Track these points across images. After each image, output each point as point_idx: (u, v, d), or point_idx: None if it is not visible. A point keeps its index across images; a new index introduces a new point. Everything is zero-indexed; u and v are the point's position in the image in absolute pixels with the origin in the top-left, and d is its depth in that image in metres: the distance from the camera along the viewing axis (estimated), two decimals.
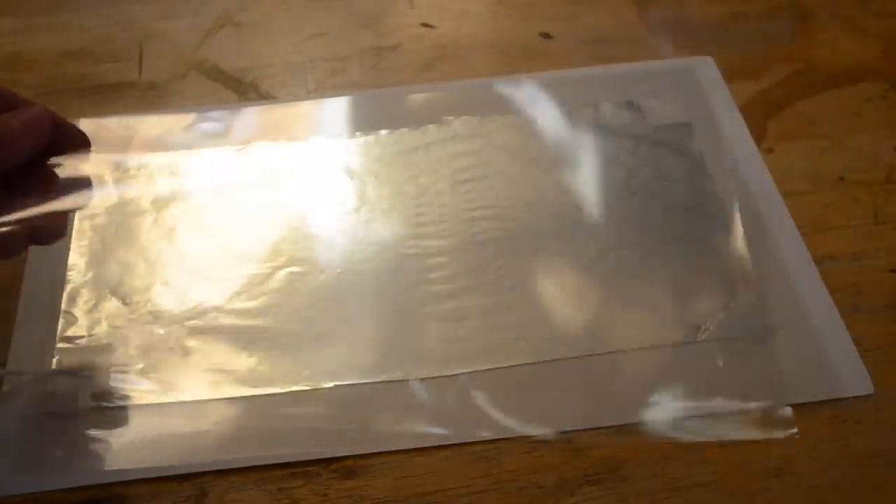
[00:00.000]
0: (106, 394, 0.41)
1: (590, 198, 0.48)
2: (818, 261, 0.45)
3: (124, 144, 0.51)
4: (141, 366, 0.42)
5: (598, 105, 0.53)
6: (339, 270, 0.45)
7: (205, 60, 0.56)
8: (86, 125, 0.52)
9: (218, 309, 0.44)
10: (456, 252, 0.46)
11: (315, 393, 0.41)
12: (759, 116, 0.52)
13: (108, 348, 0.42)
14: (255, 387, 0.41)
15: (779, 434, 0.39)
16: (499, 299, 0.44)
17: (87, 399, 0.41)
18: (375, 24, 0.59)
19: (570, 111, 0.52)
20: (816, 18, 0.58)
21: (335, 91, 0.54)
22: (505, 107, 0.53)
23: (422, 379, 0.41)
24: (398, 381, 0.41)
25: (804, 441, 0.39)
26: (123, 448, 0.39)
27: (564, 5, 0.60)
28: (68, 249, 0.46)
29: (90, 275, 0.45)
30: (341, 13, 0.60)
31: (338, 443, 0.39)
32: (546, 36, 0.58)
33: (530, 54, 0.56)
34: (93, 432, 0.40)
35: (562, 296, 0.44)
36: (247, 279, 0.45)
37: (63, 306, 0.44)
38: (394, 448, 0.39)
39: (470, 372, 0.42)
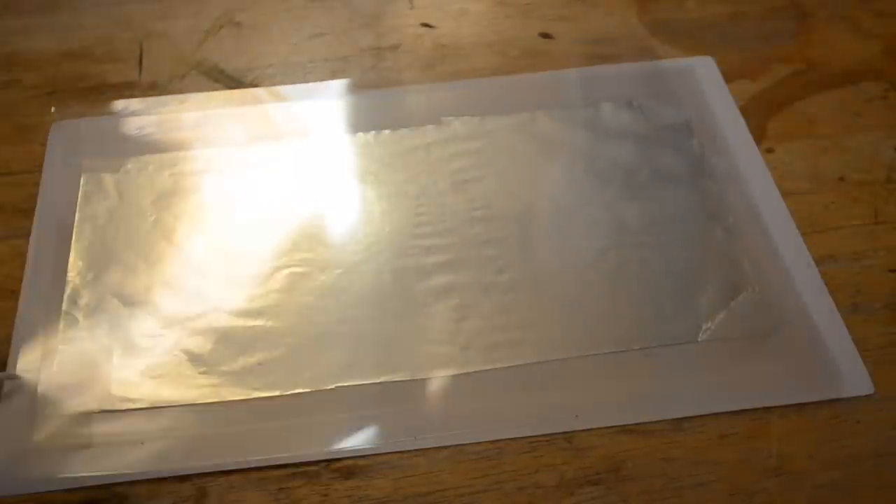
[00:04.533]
0: (106, 395, 0.41)
1: (589, 198, 0.48)
2: (818, 261, 0.45)
3: (124, 145, 0.51)
4: (142, 367, 0.42)
5: (598, 105, 0.53)
6: (339, 271, 0.45)
7: (205, 60, 0.56)
8: (85, 125, 0.52)
9: (218, 310, 0.44)
10: (456, 252, 0.46)
11: (316, 394, 0.41)
12: (759, 116, 0.52)
13: (108, 350, 0.42)
14: (256, 388, 0.41)
15: None
16: (499, 299, 0.44)
17: (88, 400, 0.41)
18: (375, 24, 0.59)
19: (570, 111, 0.52)
20: (816, 18, 0.58)
21: (335, 91, 0.54)
22: (505, 107, 0.53)
23: (422, 379, 0.41)
24: (399, 381, 0.41)
25: (804, 441, 0.39)
26: (124, 449, 0.39)
27: (564, 5, 0.60)
28: (69, 250, 0.46)
29: (91, 276, 0.45)
30: (341, 13, 0.60)
31: (338, 443, 0.39)
32: (546, 36, 0.58)
33: (530, 54, 0.56)
34: (93, 433, 0.40)
35: (562, 296, 0.44)
36: (247, 280, 0.45)
37: (63, 307, 0.44)
38: (394, 448, 0.39)
39: (470, 372, 0.42)
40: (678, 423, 0.40)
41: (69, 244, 0.46)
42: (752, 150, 0.50)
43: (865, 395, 0.40)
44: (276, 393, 0.41)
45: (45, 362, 0.42)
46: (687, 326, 0.43)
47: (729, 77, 0.54)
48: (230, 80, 0.55)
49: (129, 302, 0.44)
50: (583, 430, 0.40)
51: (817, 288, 0.44)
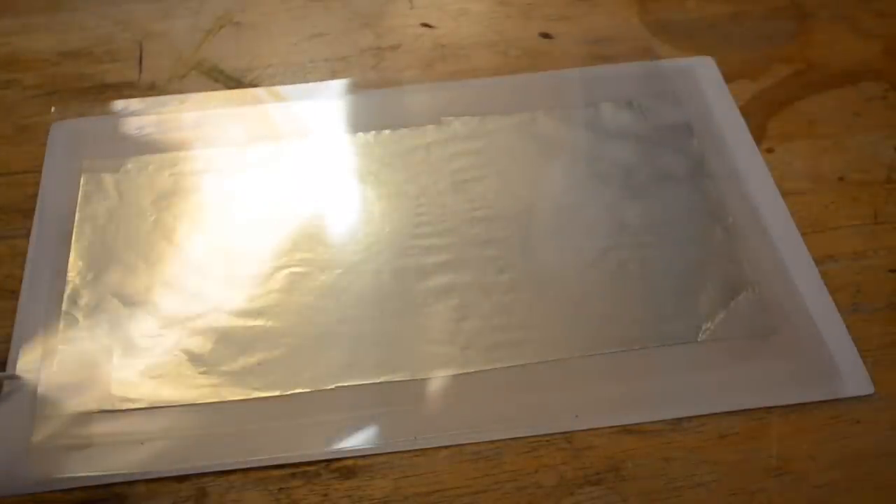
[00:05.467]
0: (106, 395, 0.41)
1: (590, 198, 0.48)
2: (818, 261, 0.45)
3: (124, 145, 0.51)
4: (142, 367, 0.42)
5: (598, 105, 0.53)
6: (339, 271, 0.45)
7: (205, 60, 0.56)
8: (85, 125, 0.52)
9: (218, 310, 0.44)
10: (456, 252, 0.46)
11: (316, 394, 0.41)
12: (759, 116, 0.52)
13: (108, 350, 0.42)
14: (256, 388, 0.41)
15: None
16: (499, 299, 0.44)
17: (88, 400, 0.41)
18: (375, 24, 0.59)
19: (570, 111, 0.52)
20: (816, 18, 0.58)
21: (335, 91, 0.54)
22: (505, 107, 0.53)
23: (422, 379, 0.41)
24: (399, 381, 0.41)
25: (804, 441, 0.39)
26: (123, 449, 0.39)
27: (564, 5, 0.60)
28: (69, 250, 0.46)
29: (90, 276, 0.45)
30: (341, 13, 0.60)
31: (338, 443, 0.39)
32: (546, 36, 0.58)
33: (530, 54, 0.56)
34: (93, 433, 0.40)
35: (562, 296, 0.44)
36: (247, 280, 0.45)
37: (63, 307, 0.44)
38: (394, 448, 0.39)
39: (470, 372, 0.42)
40: (678, 423, 0.40)
41: (69, 244, 0.46)
42: (752, 150, 0.50)
43: (865, 395, 0.40)
44: (276, 393, 0.41)
45: (45, 362, 0.42)
46: (687, 326, 0.43)
47: (729, 77, 0.54)
48: (230, 80, 0.55)
49: (129, 302, 0.44)
50: (583, 430, 0.40)
51: (817, 288, 0.44)
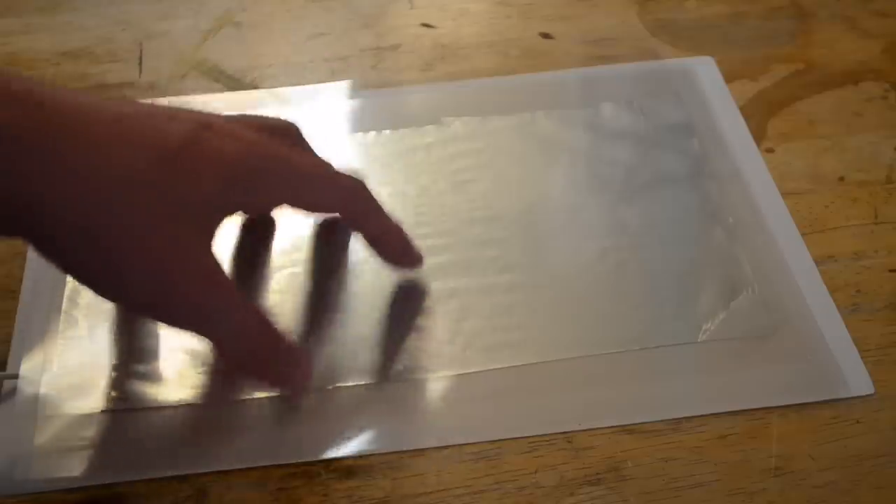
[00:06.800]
0: (106, 395, 0.41)
1: (590, 198, 0.48)
2: (818, 261, 0.45)
3: None
4: (141, 367, 0.42)
5: (598, 105, 0.53)
6: (339, 271, 0.45)
7: (205, 60, 0.56)
8: None
9: None
10: (456, 252, 0.46)
11: (316, 394, 0.41)
12: (759, 116, 0.52)
13: (108, 350, 0.42)
14: (256, 389, 0.41)
15: None
16: (499, 300, 0.44)
17: (87, 400, 0.41)
18: (375, 24, 0.59)
19: (570, 111, 0.52)
20: (816, 18, 0.59)
21: (335, 91, 0.54)
22: (505, 107, 0.53)
23: (422, 379, 0.41)
24: (398, 381, 0.41)
25: (804, 441, 0.39)
26: (123, 449, 0.39)
27: (564, 5, 0.60)
28: None
29: None
30: (341, 13, 0.60)
31: (338, 443, 0.39)
32: (546, 36, 0.58)
33: (530, 54, 0.56)
34: (93, 433, 0.40)
35: (562, 296, 0.44)
36: (247, 280, 0.45)
37: (63, 307, 0.44)
38: (394, 448, 0.39)
39: (470, 372, 0.42)
40: (678, 423, 0.40)
41: None
42: (752, 150, 0.50)
43: (865, 395, 0.40)
44: (276, 393, 0.41)
45: (45, 362, 0.42)
46: (687, 327, 0.43)
47: (729, 77, 0.54)
48: (230, 81, 0.55)
49: None
50: (583, 430, 0.40)
51: (817, 288, 0.44)
